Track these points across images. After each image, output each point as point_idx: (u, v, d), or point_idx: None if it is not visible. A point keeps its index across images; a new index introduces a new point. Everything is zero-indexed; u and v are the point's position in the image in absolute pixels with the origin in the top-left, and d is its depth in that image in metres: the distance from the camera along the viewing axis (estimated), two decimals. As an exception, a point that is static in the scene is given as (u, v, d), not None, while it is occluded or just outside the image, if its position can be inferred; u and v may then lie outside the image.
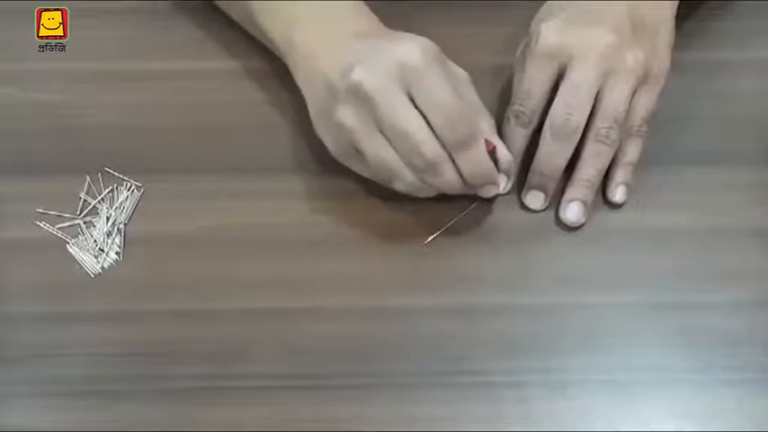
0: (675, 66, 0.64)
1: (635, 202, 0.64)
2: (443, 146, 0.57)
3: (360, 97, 0.57)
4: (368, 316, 0.60)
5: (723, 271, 0.62)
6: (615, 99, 0.61)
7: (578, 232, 0.63)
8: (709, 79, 0.70)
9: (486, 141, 0.59)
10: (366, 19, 0.64)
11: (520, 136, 0.63)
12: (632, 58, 0.61)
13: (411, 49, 0.57)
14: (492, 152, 0.59)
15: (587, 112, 0.61)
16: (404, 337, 0.59)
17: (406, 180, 0.59)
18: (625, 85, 0.61)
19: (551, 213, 0.64)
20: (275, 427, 0.56)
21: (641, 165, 0.64)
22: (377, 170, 0.59)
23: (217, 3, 0.72)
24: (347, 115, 0.58)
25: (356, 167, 0.62)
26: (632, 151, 0.63)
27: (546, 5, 0.65)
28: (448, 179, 0.58)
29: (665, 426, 0.57)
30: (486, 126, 0.61)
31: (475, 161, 0.58)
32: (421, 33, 0.59)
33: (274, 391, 0.58)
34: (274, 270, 0.62)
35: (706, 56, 0.71)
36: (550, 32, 0.61)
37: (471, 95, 0.61)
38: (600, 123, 0.61)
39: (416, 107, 0.57)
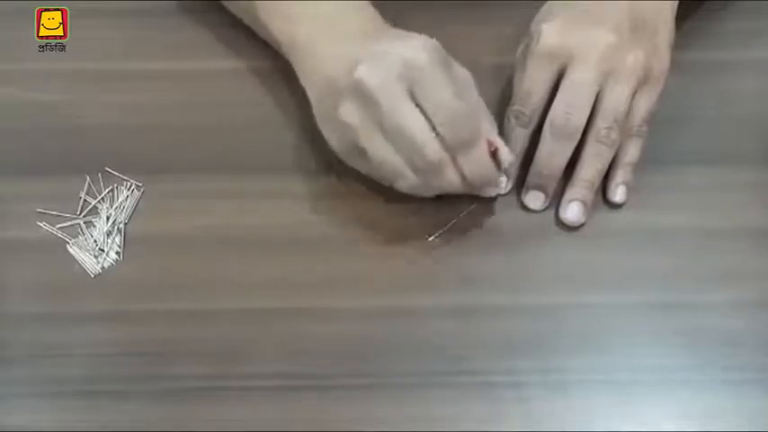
0: (675, 66, 0.64)
1: (635, 202, 0.64)
2: (445, 146, 0.57)
3: (363, 95, 0.56)
4: (368, 316, 0.60)
5: (723, 271, 0.62)
6: (615, 99, 0.61)
7: (578, 232, 0.63)
8: (709, 79, 0.70)
9: (488, 142, 0.59)
10: (369, 17, 0.64)
11: (520, 136, 0.63)
12: (633, 59, 0.61)
13: (415, 49, 0.57)
14: (494, 153, 0.59)
15: (587, 112, 0.61)
16: (404, 337, 0.59)
17: (408, 180, 0.59)
18: (625, 85, 0.61)
19: (551, 213, 0.64)
20: (275, 427, 0.56)
21: (641, 165, 0.64)
22: (379, 169, 0.59)
23: (220, 1, 0.72)
24: (350, 113, 0.57)
25: (359, 166, 0.62)
26: (632, 151, 0.63)
27: (546, 6, 0.65)
28: (449, 180, 0.58)
29: (664, 426, 0.57)
30: (488, 127, 0.60)
31: (476, 162, 0.58)
32: (421, 33, 0.59)
33: (274, 391, 0.58)
34: (274, 270, 0.62)
35: (706, 56, 0.71)
36: (551, 33, 0.61)
37: (473, 96, 0.60)
38: (600, 123, 0.61)
39: (419, 107, 0.56)
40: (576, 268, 0.62)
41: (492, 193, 0.62)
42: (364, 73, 0.56)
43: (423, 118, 0.56)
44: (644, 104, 0.62)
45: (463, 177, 0.58)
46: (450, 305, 0.61)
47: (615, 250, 0.63)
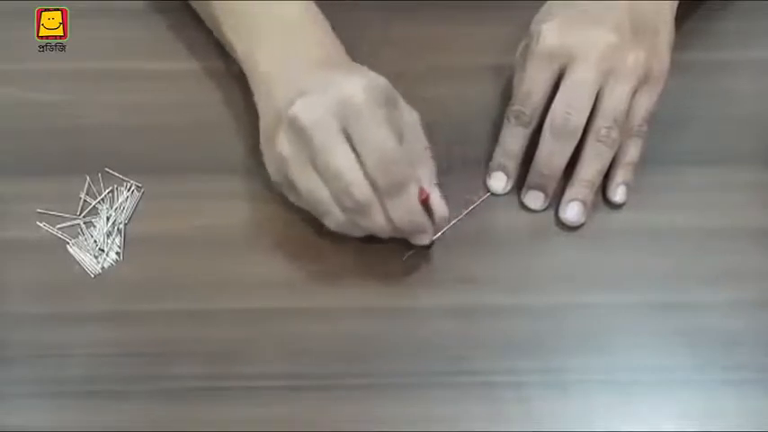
0: (675, 66, 0.64)
1: (635, 202, 0.64)
2: (374, 188, 0.56)
3: (297, 130, 0.56)
4: (368, 316, 0.60)
5: (723, 271, 0.62)
6: (616, 99, 0.61)
7: (578, 232, 0.63)
8: (709, 79, 0.70)
9: (421, 190, 0.57)
10: (328, 47, 0.63)
11: (520, 136, 0.63)
12: (633, 59, 0.61)
13: (356, 86, 0.55)
14: (425, 201, 0.57)
15: (587, 112, 0.61)
16: (404, 337, 0.59)
17: (335, 217, 0.58)
18: (626, 85, 0.61)
19: (551, 213, 0.64)
20: (276, 426, 0.56)
21: (641, 165, 0.64)
22: (308, 204, 0.59)
23: (194, 6, 0.72)
24: (284, 146, 0.57)
25: (291, 198, 0.61)
26: (632, 151, 0.63)
27: (546, 6, 0.65)
28: (376, 222, 0.57)
29: (665, 426, 0.57)
30: (426, 174, 0.59)
31: (404, 208, 0.57)
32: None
33: (274, 391, 0.58)
34: (274, 270, 0.62)
35: (706, 56, 0.71)
36: (551, 33, 0.61)
37: (417, 140, 0.59)
38: (600, 123, 0.61)
39: (352, 146, 0.56)
40: (575, 268, 0.62)
41: (422, 241, 0.60)
42: (300, 107, 0.56)
43: (354, 157, 0.55)
44: (644, 104, 0.62)
45: (391, 222, 0.57)
46: (450, 305, 0.61)
47: (615, 250, 0.63)
